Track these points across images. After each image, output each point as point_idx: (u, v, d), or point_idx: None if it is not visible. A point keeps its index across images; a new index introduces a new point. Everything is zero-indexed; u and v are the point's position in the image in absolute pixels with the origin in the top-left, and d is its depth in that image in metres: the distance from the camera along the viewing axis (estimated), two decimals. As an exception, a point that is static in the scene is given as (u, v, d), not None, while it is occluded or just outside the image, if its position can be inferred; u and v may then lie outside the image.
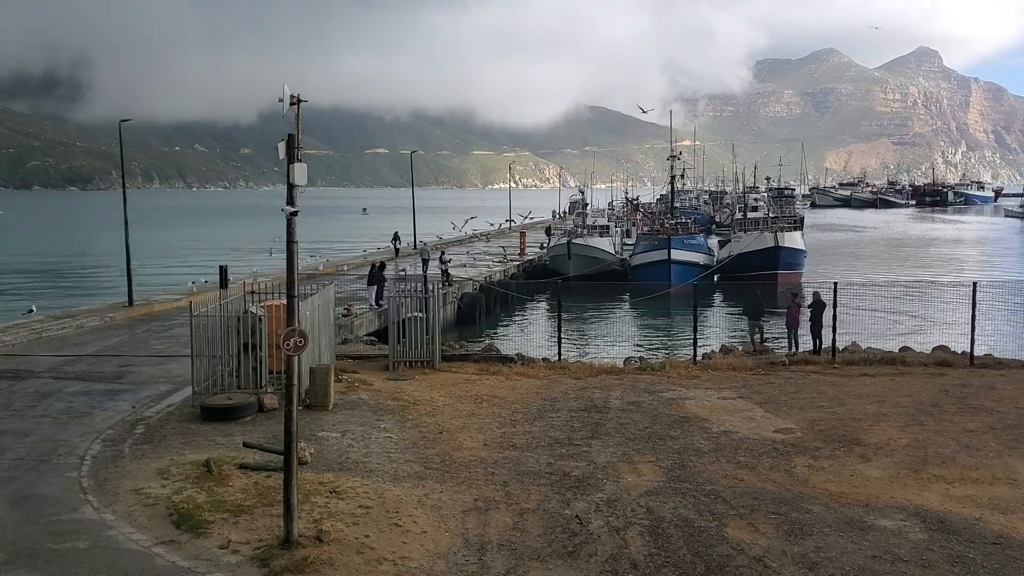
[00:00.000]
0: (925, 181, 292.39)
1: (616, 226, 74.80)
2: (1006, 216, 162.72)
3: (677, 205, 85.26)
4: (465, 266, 53.49)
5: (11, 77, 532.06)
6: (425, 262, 45.49)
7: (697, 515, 12.90)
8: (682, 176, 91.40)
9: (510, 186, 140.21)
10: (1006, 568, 11.21)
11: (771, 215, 69.60)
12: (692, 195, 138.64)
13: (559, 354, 25.60)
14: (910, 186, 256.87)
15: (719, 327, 38.09)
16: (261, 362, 19.64)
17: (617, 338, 38.11)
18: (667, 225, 62.72)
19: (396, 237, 59.60)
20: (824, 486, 14.26)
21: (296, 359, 12.11)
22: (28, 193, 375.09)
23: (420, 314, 23.84)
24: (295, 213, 11.67)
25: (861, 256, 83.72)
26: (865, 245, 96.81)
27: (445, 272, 43.91)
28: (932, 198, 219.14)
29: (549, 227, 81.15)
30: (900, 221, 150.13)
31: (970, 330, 24.02)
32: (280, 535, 11.63)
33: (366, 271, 38.00)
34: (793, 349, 27.08)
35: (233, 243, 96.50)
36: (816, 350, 25.68)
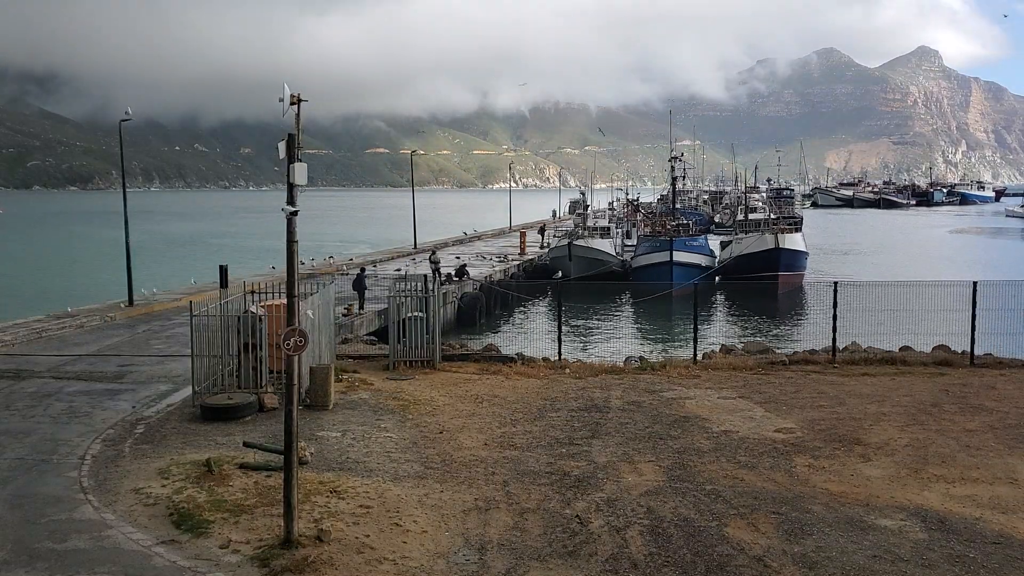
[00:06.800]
0: (925, 181, 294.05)
1: (617, 227, 74.85)
2: (1007, 216, 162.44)
3: (678, 206, 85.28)
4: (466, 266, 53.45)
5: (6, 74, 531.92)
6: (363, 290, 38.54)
7: (697, 515, 12.90)
8: (683, 177, 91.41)
9: (510, 186, 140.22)
10: (1006, 568, 11.20)
11: (771, 216, 69.56)
12: (692, 195, 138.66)
13: (559, 354, 25.58)
14: (906, 186, 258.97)
15: (719, 327, 38.11)
16: (261, 362, 19.65)
17: (617, 338, 38.11)
18: (668, 227, 62.73)
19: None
20: (824, 486, 14.26)
21: (296, 359, 12.11)
22: (28, 193, 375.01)
23: (420, 314, 23.83)
24: (295, 213, 11.69)
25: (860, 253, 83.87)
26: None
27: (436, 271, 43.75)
28: (918, 198, 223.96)
29: (543, 227, 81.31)
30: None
31: (970, 330, 24.00)
32: (280, 535, 11.63)
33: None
34: None
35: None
36: None
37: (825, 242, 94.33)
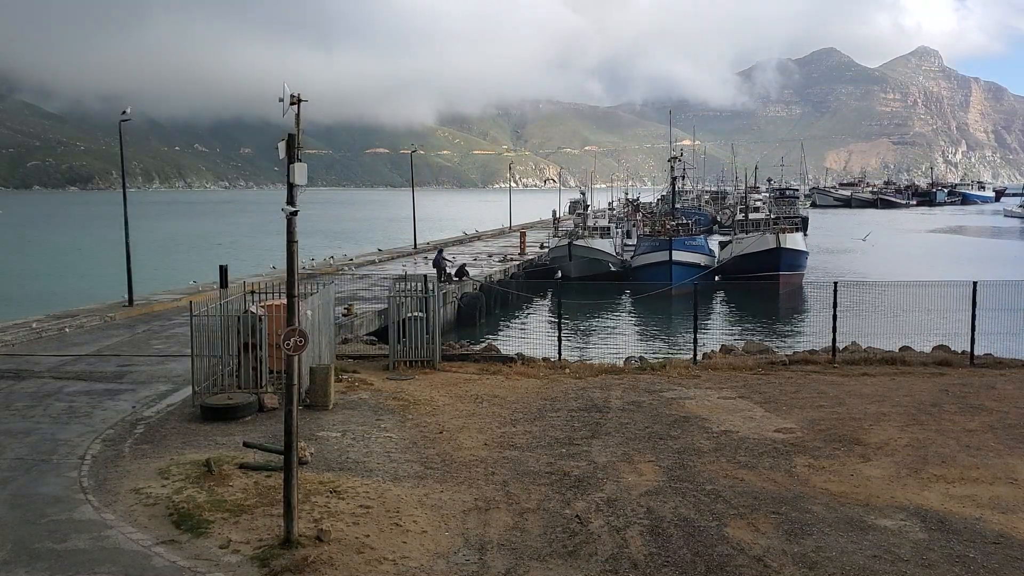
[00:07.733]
0: (926, 181, 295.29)
1: (617, 227, 75.01)
2: (1006, 216, 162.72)
3: (679, 206, 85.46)
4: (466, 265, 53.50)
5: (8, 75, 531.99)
6: (441, 270, 43.73)
7: (697, 515, 12.90)
8: (683, 177, 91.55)
9: (510, 186, 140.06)
10: (1006, 568, 11.20)
11: (773, 216, 69.68)
12: (692, 195, 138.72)
13: (559, 354, 25.58)
14: (908, 186, 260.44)
15: (719, 327, 38.10)
16: (261, 362, 19.65)
17: (617, 338, 38.12)
18: (668, 227, 62.89)
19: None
20: (824, 486, 14.25)
21: (296, 359, 12.11)
22: (28, 193, 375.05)
23: (420, 314, 23.84)
24: (295, 213, 11.68)
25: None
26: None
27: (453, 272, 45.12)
28: (920, 198, 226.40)
29: (557, 219, 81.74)
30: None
31: (970, 330, 24.00)
32: (280, 535, 11.63)
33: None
34: None
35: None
36: None
37: (824, 241, 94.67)
